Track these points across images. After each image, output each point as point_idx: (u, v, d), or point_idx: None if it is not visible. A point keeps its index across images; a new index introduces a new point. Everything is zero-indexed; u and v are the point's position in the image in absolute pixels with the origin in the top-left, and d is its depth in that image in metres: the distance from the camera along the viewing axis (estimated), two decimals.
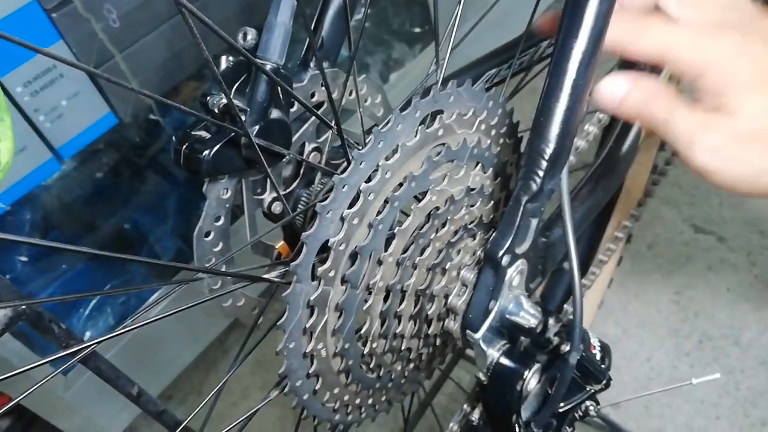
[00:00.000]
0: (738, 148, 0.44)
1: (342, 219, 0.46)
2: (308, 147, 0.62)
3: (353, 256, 0.47)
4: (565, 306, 0.82)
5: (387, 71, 1.70)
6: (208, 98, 0.53)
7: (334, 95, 0.62)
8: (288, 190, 0.63)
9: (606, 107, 0.47)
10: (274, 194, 0.61)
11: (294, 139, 0.61)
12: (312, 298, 0.46)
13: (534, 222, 0.51)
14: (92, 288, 1.39)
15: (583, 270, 0.87)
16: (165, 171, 1.46)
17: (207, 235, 0.56)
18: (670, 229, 1.47)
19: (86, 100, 1.07)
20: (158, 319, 0.45)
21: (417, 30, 1.76)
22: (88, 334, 1.28)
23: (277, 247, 0.63)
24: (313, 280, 0.46)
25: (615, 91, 0.47)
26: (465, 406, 0.60)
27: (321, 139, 0.63)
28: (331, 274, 0.46)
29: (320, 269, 0.46)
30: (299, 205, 0.62)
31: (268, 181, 0.60)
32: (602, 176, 0.63)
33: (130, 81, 1.10)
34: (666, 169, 0.96)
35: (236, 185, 0.57)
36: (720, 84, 0.44)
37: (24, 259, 1.34)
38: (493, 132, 0.57)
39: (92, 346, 0.43)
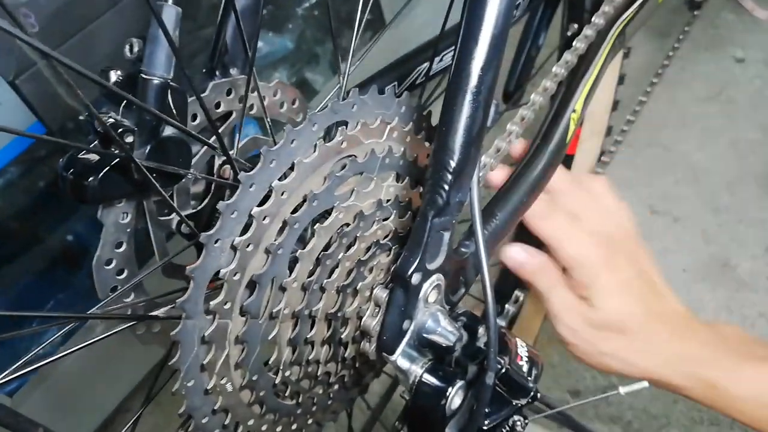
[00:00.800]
0: (588, 332, 0.59)
1: (233, 247, 0.42)
2: (218, 161, 0.59)
3: (251, 285, 0.44)
4: (507, 305, 0.79)
5: (337, 61, 1.66)
6: (95, 118, 0.49)
7: (241, 103, 0.58)
8: (200, 207, 0.59)
9: (510, 266, 0.62)
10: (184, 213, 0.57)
11: (201, 153, 0.58)
12: (207, 334, 0.43)
13: (446, 236, 0.48)
14: (41, 301, 1.35)
15: None
16: None
17: (108, 263, 0.53)
18: None
19: (10, 110, 1.02)
20: (44, 364, 0.41)
21: (367, 17, 1.72)
22: (34, 350, 1.24)
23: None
24: (207, 314, 0.43)
25: (516, 257, 0.61)
26: (396, 424, 0.58)
27: (233, 152, 0.60)
28: (227, 306, 0.43)
29: (214, 303, 0.42)
30: (214, 222, 0.59)
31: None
32: (529, 175, 0.60)
33: (54, 87, 1.05)
34: (606, 161, 0.94)
35: (136, 208, 0.54)
36: (588, 281, 0.59)
37: None
38: (408, 138, 0.54)
39: None
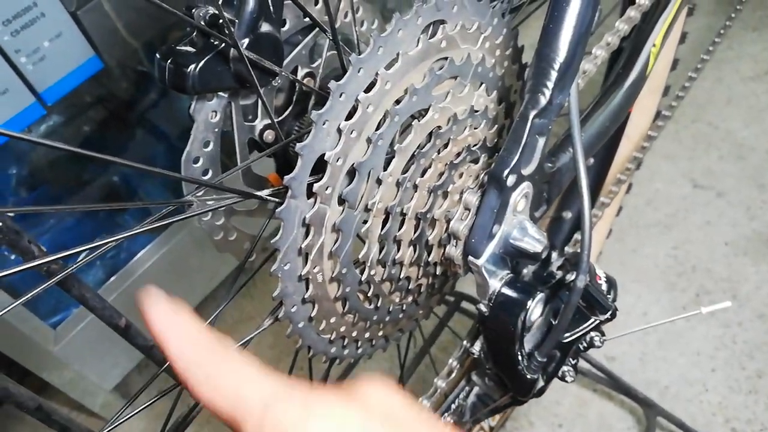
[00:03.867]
0: None
1: (339, 131, 0.43)
2: (301, 71, 0.59)
3: (351, 174, 0.45)
4: (566, 248, 0.79)
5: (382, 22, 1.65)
6: (194, 10, 0.50)
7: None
8: (279, 119, 0.60)
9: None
10: (266, 121, 0.58)
11: (285, 63, 0.58)
12: (308, 216, 0.43)
13: (541, 141, 0.48)
14: (82, 242, 1.37)
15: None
16: (154, 123, 1.43)
17: (196, 161, 0.53)
18: (668, 184, 1.45)
19: (69, 41, 1.02)
20: (139, 232, 0.42)
21: None
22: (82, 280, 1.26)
23: (268, 178, 0.60)
24: (308, 198, 0.43)
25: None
26: (465, 342, 0.58)
27: (314, 65, 0.60)
28: (328, 191, 0.44)
29: (317, 185, 0.43)
30: (292, 135, 0.59)
31: (259, 106, 0.57)
32: (609, 103, 0.60)
33: (114, 22, 1.06)
34: (667, 116, 0.93)
35: (225, 108, 0.54)
36: None
37: (10, 214, 1.31)
38: (498, 52, 0.54)
39: (62, 257, 0.40)
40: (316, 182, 0.43)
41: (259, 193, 0.45)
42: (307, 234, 0.44)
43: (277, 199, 0.45)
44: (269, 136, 0.58)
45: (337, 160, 0.43)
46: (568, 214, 1.06)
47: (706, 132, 1.53)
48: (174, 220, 0.43)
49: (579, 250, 0.49)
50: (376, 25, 0.64)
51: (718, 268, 1.29)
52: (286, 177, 0.41)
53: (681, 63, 1.02)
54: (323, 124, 0.42)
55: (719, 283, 1.28)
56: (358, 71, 0.42)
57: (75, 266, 0.45)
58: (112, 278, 1.22)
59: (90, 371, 1.25)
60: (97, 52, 1.06)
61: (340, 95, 0.42)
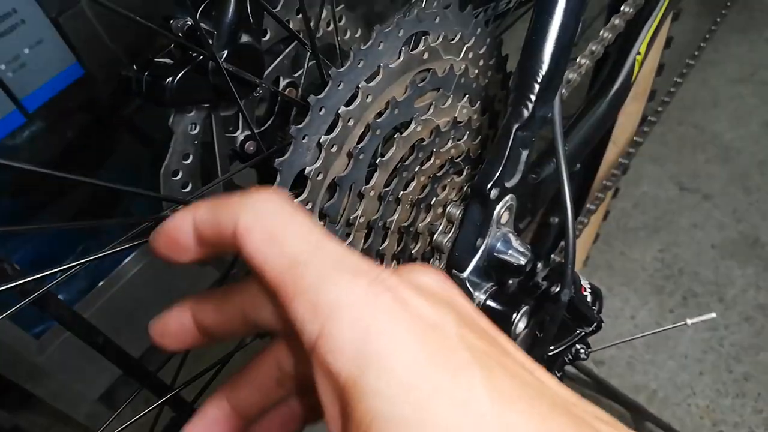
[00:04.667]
0: None
1: (319, 146, 0.42)
2: (283, 82, 0.58)
3: (332, 189, 0.44)
4: (552, 256, 0.79)
5: (368, 27, 1.65)
6: (171, 22, 0.49)
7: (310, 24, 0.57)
8: (261, 129, 0.59)
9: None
10: (247, 132, 0.57)
11: (267, 72, 0.57)
12: None
13: (524, 154, 0.48)
14: (66, 251, 1.35)
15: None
16: (139, 128, 1.41)
17: (175, 174, 0.52)
18: (655, 187, 1.45)
19: (50, 48, 1.01)
20: (115, 252, 0.41)
21: None
22: (60, 298, 1.24)
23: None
24: None
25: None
26: None
27: (297, 74, 0.59)
28: (308, 206, 0.43)
29: (296, 201, 0.42)
30: (274, 146, 0.58)
31: (240, 117, 0.56)
32: (594, 111, 0.60)
33: (96, 28, 1.04)
34: (653, 121, 0.93)
35: (205, 120, 0.53)
36: None
37: None
38: (481, 62, 0.54)
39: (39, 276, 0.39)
40: (295, 197, 0.42)
41: None
42: None
43: None
44: (251, 147, 0.57)
45: (318, 175, 0.42)
46: (555, 220, 1.06)
47: (693, 134, 1.54)
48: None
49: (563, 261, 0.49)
50: (359, 34, 0.63)
51: (706, 271, 1.30)
52: None
53: (667, 65, 1.02)
54: (303, 139, 0.41)
55: (706, 286, 1.28)
56: (338, 85, 0.42)
57: (49, 285, 0.44)
58: (95, 288, 1.21)
59: (75, 381, 1.24)
60: (78, 59, 1.05)
61: (320, 109, 0.41)
